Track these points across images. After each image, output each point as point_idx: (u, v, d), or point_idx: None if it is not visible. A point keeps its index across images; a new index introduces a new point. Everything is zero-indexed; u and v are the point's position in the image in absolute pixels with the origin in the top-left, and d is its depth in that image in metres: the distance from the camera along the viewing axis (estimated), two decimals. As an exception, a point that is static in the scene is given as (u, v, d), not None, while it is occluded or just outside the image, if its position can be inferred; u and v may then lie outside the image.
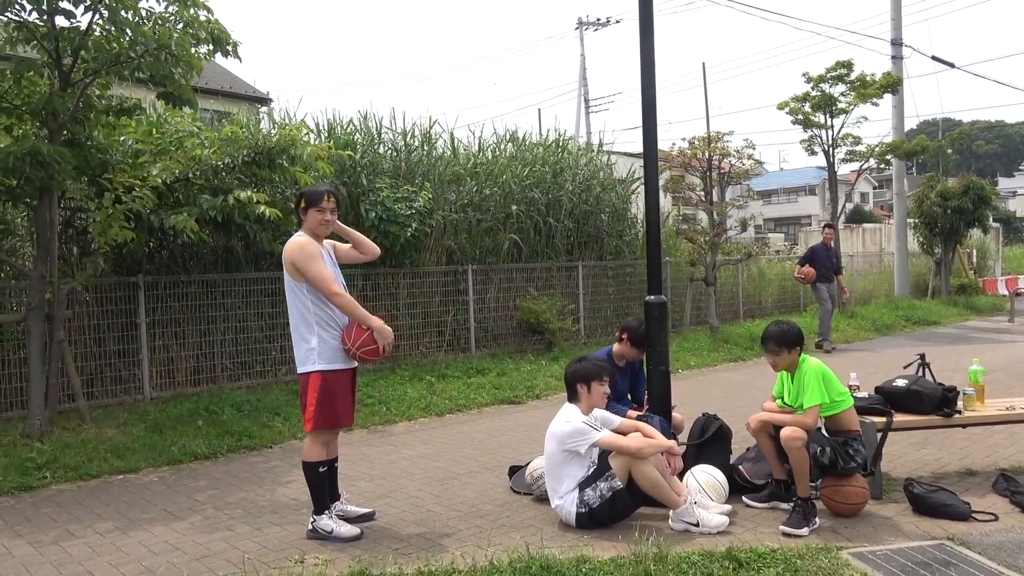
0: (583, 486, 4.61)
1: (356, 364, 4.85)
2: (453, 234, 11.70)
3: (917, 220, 19.91)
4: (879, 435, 5.19)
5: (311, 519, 4.75)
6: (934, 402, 5.32)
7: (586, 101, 41.96)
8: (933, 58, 20.64)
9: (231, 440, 7.09)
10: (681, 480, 4.86)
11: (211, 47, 7.65)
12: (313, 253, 4.59)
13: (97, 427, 7.51)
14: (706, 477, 4.86)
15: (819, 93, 15.45)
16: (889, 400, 5.41)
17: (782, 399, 5.16)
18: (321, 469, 4.74)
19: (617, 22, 41.75)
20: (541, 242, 12.81)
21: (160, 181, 7.92)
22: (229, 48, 7.85)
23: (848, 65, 15.26)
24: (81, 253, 8.79)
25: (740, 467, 5.36)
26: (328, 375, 4.63)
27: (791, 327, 5.03)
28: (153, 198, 7.50)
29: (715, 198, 13.76)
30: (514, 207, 12.09)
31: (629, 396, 5.92)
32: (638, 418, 5.23)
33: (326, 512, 4.73)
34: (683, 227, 13.86)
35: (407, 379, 9.61)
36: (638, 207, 15.72)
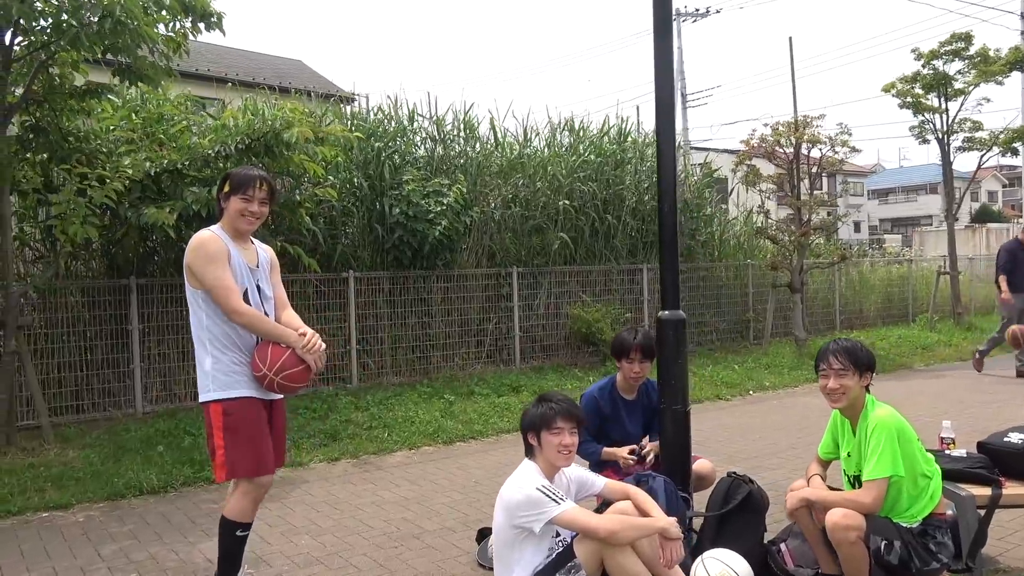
0: (539, 578, 3.30)
1: (274, 396, 3.72)
2: (495, 232, 10.50)
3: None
4: (981, 513, 3.65)
5: None
6: (1066, 467, 3.73)
7: (683, 96, 40.02)
8: (1072, 33, 18.01)
9: (189, 471, 6.10)
10: (688, 573, 3.47)
11: (188, 20, 6.74)
12: (213, 254, 3.51)
13: (60, 448, 6.67)
14: (721, 569, 3.44)
15: (931, 71, 13.41)
16: (998, 462, 3.86)
17: (836, 457, 3.71)
18: (241, 533, 3.66)
19: (717, 12, 39.64)
20: (599, 242, 11.42)
21: (141, 172, 7.06)
22: (213, 20, 6.94)
23: (966, 38, 13.18)
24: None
25: (783, 546, 3.92)
26: (230, 405, 3.53)
27: (863, 345, 3.58)
28: (120, 190, 6.60)
29: (803, 192, 12.01)
30: (563, 202, 10.74)
31: (645, 443, 4.51)
32: (636, 479, 3.87)
33: None
34: (767, 224, 12.15)
35: (425, 397, 8.45)
36: (734, 205, 14.11)
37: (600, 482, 3.63)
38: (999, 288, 10.00)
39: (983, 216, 43.44)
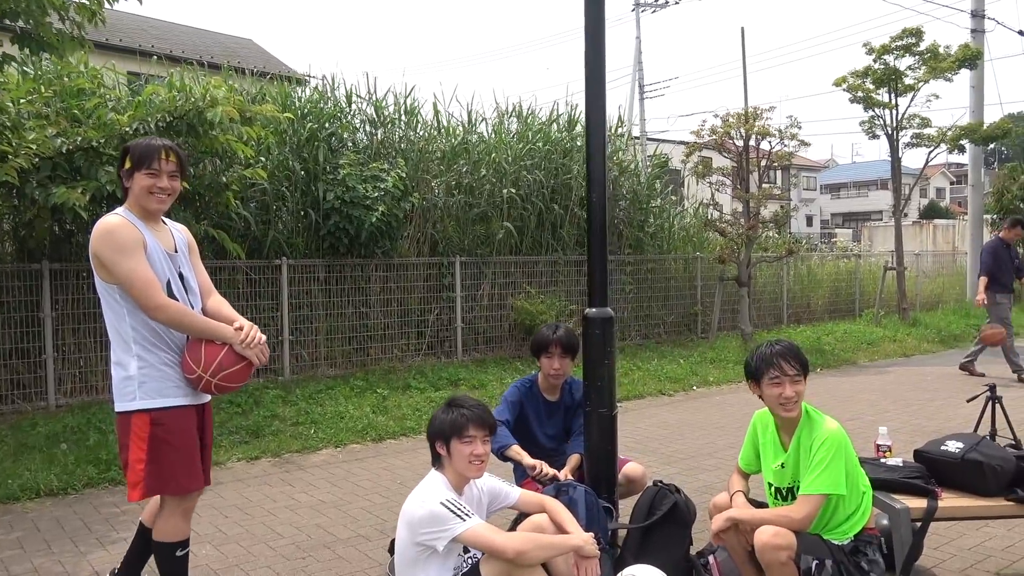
0: (442, 602, 3.02)
1: (205, 397, 3.32)
2: (438, 220, 10.16)
3: (996, 216, 17.57)
4: (916, 526, 3.47)
5: None
6: (1003, 479, 3.55)
7: (641, 86, 39.93)
8: (1021, 32, 18.18)
9: (93, 471, 5.70)
10: (606, 589, 3.22)
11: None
12: (125, 243, 3.04)
13: (-44, 445, 6.21)
14: (642, 587, 3.20)
15: (882, 66, 13.35)
16: (935, 472, 3.67)
17: (758, 470, 3.48)
18: (179, 552, 3.24)
19: (676, 2, 39.55)
20: (545, 233, 11.15)
21: (51, 149, 6.59)
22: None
23: (916, 33, 13.13)
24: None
25: (711, 559, 3.69)
26: (161, 416, 3.10)
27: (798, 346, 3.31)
28: (24, 167, 6.13)
29: (752, 185, 11.87)
30: (507, 191, 10.44)
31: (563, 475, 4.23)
32: (555, 489, 3.61)
33: None
34: (714, 217, 11.99)
35: (358, 391, 8.10)
36: (687, 198, 13.94)
37: (515, 493, 3.36)
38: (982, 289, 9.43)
39: (931, 212, 44.16)
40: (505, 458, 4.03)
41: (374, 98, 10.09)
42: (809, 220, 59.71)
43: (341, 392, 7.99)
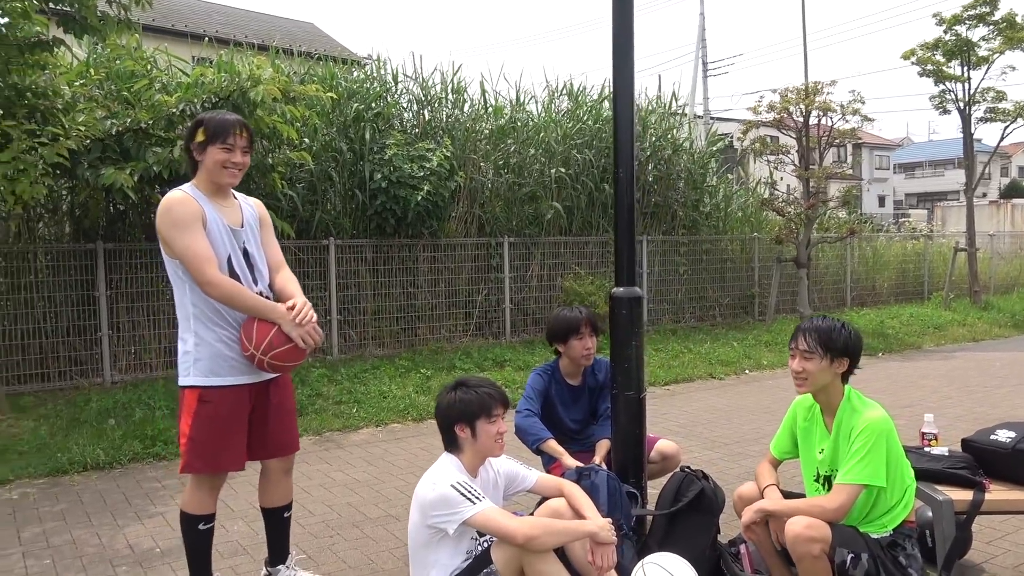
0: (454, 585, 2.96)
1: (268, 375, 3.28)
2: (487, 200, 10.09)
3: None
4: (961, 519, 3.26)
5: None
6: (1058, 471, 3.31)
7: (704, 64, 39.08)
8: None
9: (139, 446, 5.81)
10: (626, 578, 3.11)
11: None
12: (183, 218, 3.04)
13: (15, 419, 6.42)
14: (662, 576, 3.08)
15: (954, 37, 12.72)
16: (983, 463, 3.45)
17: (792, 456, 3.32)
18: (202, 526, 3.25)
19: (740, -23, 38.53)
20: (595, 213, 10.98)
21: (100, 130, 6.73)
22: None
23: (991, 2, 12.45)
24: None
25: (742, 548, 3.55)
26: (209, 394, 3.12)
27: (845, 326, 3.09)
28: (74, 148, 6.27)
29: (813, 163, 11.46)
30: (555, 171, 10.29)
31: (594, 428, 4.14)
32: (578, 473, 3.51)
33: None
34: (774, 196, 11.63)
35: (402, 371, 8.11)
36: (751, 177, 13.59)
37: (532, 477, 3.27)
38: None
39: (1012, 192, 42.25)
40: (540, 452, 3.94)
41: (420, 77, 10.04)
42: (881, 200, 57.70)
43: (386, 372, 8.01)
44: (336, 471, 5.43)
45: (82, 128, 6.45)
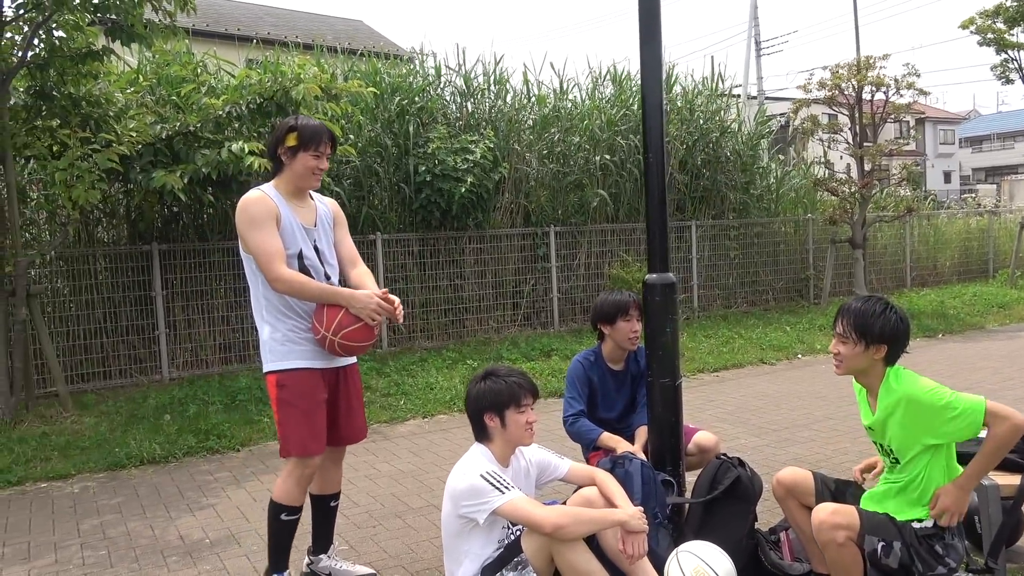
0: (486, 574, 2.98)
1: (344, 360, 3.43)
2: (532, 190, 10.08)
3: None
4: (1008, 504, 3.15)
5: None
6: (1113, 454, 3.18)
7: (757, 43, 38.26)
8: None
9: (193, 440, 5.99)
10: (662, 569, 3.09)
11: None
12: (258, 216, 3.20)
13: (77, 416, 6.67)
14: (696, 565, 3.04)
15: (1015, 2, 12.21)
16: (1033, 446, 3.32)
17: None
18: (286, 517, 3.34)
19: (793, -48, 37.57)
20: (642, 199, 10.86)
21: (150, 135, 6.94)
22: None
23: (1055, -36, 11.92)
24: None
25: (783, 536, 3.50)
26: (284, 377, 3.27)
27: (888, 309, 2.92)
28: (126, 154, 6.48)
29: (867, 140, 11.15)
30: (599, 158, 10.23)
31: (632, 418, 4.12)
32: (611, 461, 3.49)
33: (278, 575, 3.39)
34: (825, 176, 11.36)
35: (449, 363, 8.18)
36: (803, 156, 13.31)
37: (564, 466, 3.27)
38: None
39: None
40: (598, 448, 3.92)
41: (463, 69, 10.06)
42: (947, 176, 55.78)
43: (433, 364, 8.09)
44: (382, 462, 5.52)
45: (133, 133, 6.65)
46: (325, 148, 3.31)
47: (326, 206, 3.51)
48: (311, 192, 3.45)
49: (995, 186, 39.39)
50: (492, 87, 10.16)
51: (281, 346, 3.27)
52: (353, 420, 3.53)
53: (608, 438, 3.86)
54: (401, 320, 3.43)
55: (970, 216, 15.67)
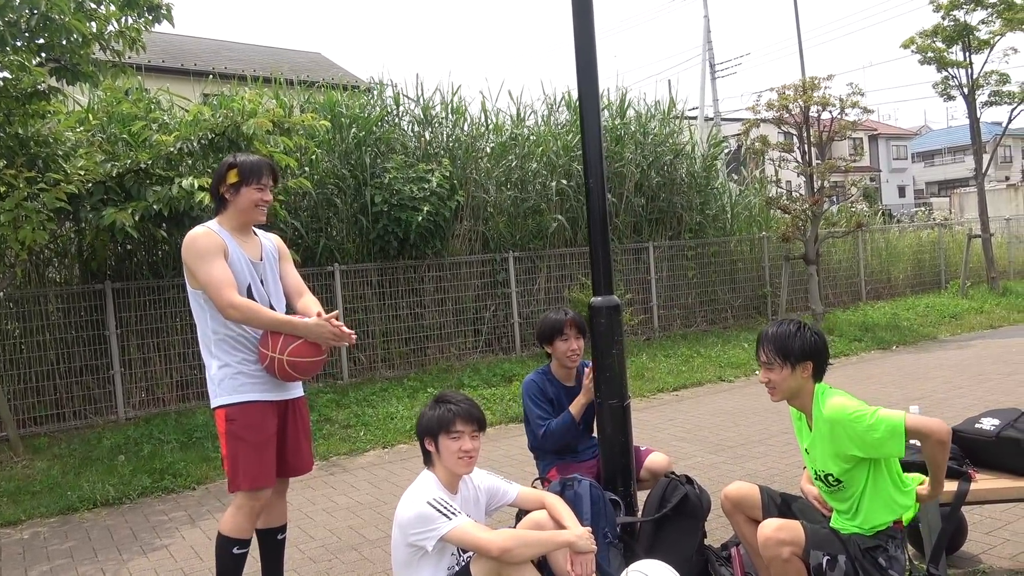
0: (436, 602, 2.98)
1: (293, 392, 3.44)
2: (490, 217, 10.14)
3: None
4: (946, 510, 3.23)
5: None
6: (1044, 457, 3.28)
7: (711, 66, 38.98)
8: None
9: (148, 480, 5.90)
10: (610, 586, 3.12)
11: (133, 14, 6.50)
12: (207, 249, 3.22)
13: (29, 460, 6.54)
14: (646, 584, 3.08)
15: (952, 23, 12.63)
16: (969, 452, 3.42)
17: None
18: (238, 551, 3.31)
19: (742, -23, 38.47)
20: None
21: (100, 173, 6.89)
22: (162, 12, 6.73)
23: (988, -16, 12.37)
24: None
25: (733, 551, 3.54)
26: (235, 411, 3.24)
27: (802, 328, 3.02)
28: (73, 192, 6.42)
29: (814, 159, 11.41)
30: (556, 183, 10.34)
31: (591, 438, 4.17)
32: (561, 484, 3.52)
33: None
34: (777, 195, 11.58)
35: (410, 392, 8.17)
36: (757, 177, 13.55)
37: (513, 491, 3.29)
38: None
39: (1032, 174, 41.56)
40: (573, 426, 3.94)
41: (421, 99, 10.13)
42: (901, 191, 57.05)
43: (394, 393, 8.07)
44: (340, 495, 5.48)
45: (83, 172, 6.60)
46: (267, 181, 3.35)
47: (270, 241, 3.54)
48: (254, 229, 3.48)
49: (947, 199, 40.37)
50: (450, 116, 10.24)
51: (231, 380, 3.26)
52: (300, 453, 3.51)
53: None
54: (354, 341, 3.43)
55: (921, 229, 16.04)
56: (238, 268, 3.27)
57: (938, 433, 2.79)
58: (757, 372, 8.86)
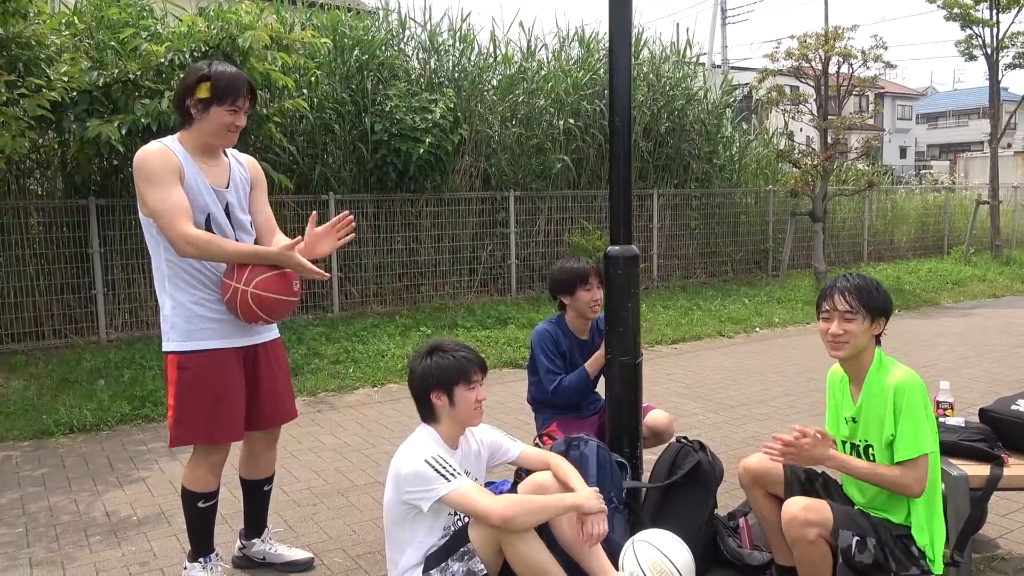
0: (430, 564, 2.78)
1: (264, 335, 3.12)
2: (492, 154, 9.78)
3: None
4: (976, 495, 3.04)
5: (184, 565, 3.17)
6: (1084, 444, 3.08)
7: (723, 11, 38.02)
8: None
9: (128, 407, 5.68)
10: (617, 559, 2.92)
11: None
12: (158, 171, 2.80)
13: (5, 379, 6.31)
14: (653, 556, 2.87)
15: (983, -22, 12.14)
16: (1002, 435, 3.22)
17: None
18: (202, 504, 3.06)
19: (761, -82, 37.38)
20: (605, 166, 10.64)
21: (86, 82, 6.50)
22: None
23: (1024, -60, 11.85)
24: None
25: (741, 521, 3.36)
26: (187, 360, 2.92)
27: (879, 285, 2.81)
28: (57, 100, 6.04)
29: (831, 112, 11.05)
30: (563, 122, 9.97)
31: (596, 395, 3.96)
32: (566, 444, 3.30)
33: (200, 561, 3.10)
34: (788, 147, 11.25)
35: (403, 329, 7.93)
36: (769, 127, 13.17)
37: (516, 449, 3.07)
38: None
39: (1038, 142, 41.10)
40: (588, 380, 3.77)
41: (429, 25, 9.66)
42: (903, 151, 56.53)
43: (386, 330, 7.84)
44: (327, 434, 5.28)
45: (66, 79, 6.20)
46: (244, 103, 2.91)
47: (243, 165, 3.13)
48: (226, 149, 3.07)
49: (948, 162, 39.98)
50: (457, 44, 9.79)
51: (186, 323, 2.90)
52: (279, 400, 3.20)
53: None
54: (327, 278, 3.11)
55: (927, 192, 15.75)
56: (195, 196, 2.87)
57: (913, 491, 2.62)
58: (758, 330, 8.69)
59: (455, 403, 2.81)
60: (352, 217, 3.12)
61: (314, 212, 3.13)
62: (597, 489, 2.85)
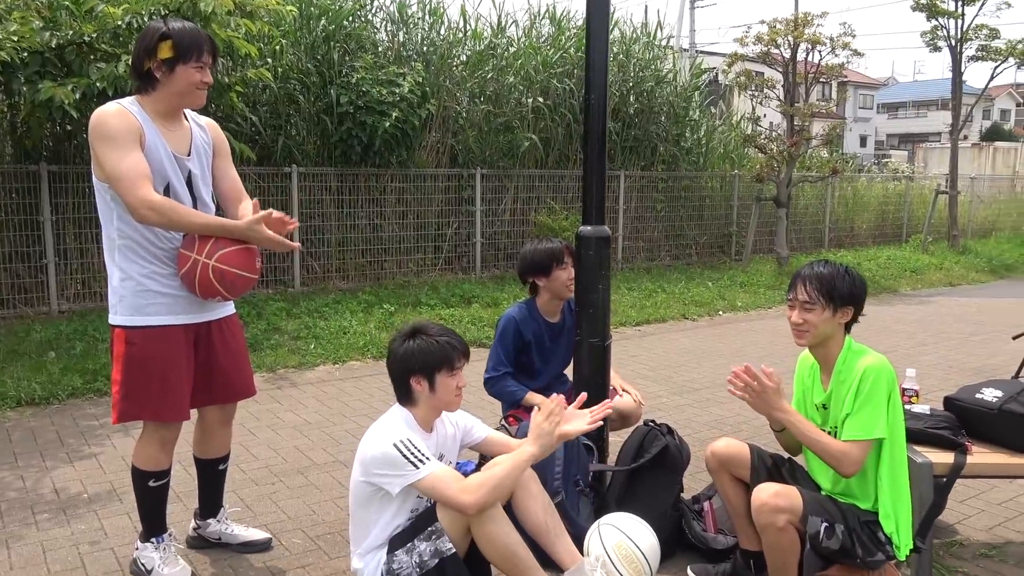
0: (395, 545, 2.71)
1: (218, 311, 2.99)
2: (460, 130, 9.65)
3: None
4: (940, 482, 3.05)
5: (136, 544, 3.06)
6: (1045, 434, 3.10)
7: (691, -7, 38.04)
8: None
9: (79, 380, 5.51)
10: (583, 543, 2.88)
11: None
12: (117, 133, 2.64)
13: (-50, 349, 6.07)
14: (618, 539, 2.83)
15: (950, -30, 12.25)
16: (966, 423, 3.23)
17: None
18: (155, 483, 2.95)
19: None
20: (573, 146, 10.59)
21: (39, 42, 6.23)
22: None
23: (991, -67, 11.96)
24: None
25: (706, 505, 3.35)
26: (134, 335, 2.79)
27: (849, 273, 2.78)
28: (7, 60, 5.79)
29: (799, 99, 11.09)
30: (532, 100, 9.87)
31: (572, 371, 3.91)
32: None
33: (153, 541, 2.99)
34: (756, 132, 11.28)
35: (365, 306, 7.82)
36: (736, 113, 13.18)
37: (482, 433, 3.00)
38: None
39: (993, 135, 42.00)
40: (519, 407, 3.66)
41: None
42: (863, 140, 57.36)
43: (348, 307, 7.71)
44: (287, 411, 5.17)
45: (15, 38, 5.94)
46: (207, 58, 2.77)
47: (204, 129, 2.98)
48: (186, 113, 2.93)
49: (907, 152, 40.58)
50: (427, 17, 9.62)
51: (135, 297, 2.78)
52: (237, 375, 3.09)
53: (533, 396, 3.61)
54: (297, 247, 3.02)
55: (888, 181, 15.96)
56: (155, 161, 2.72)
57: (847, 470, 2.62)
58: (721, 313, 8.74)
59: (435, 389, 2.72)
60: (296, 222, 2.98)
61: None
62: (561, 397, 2.77)
